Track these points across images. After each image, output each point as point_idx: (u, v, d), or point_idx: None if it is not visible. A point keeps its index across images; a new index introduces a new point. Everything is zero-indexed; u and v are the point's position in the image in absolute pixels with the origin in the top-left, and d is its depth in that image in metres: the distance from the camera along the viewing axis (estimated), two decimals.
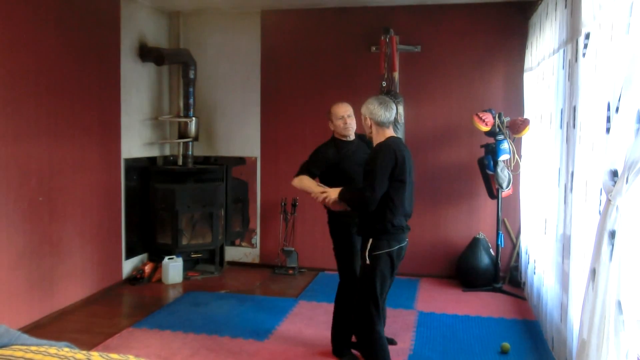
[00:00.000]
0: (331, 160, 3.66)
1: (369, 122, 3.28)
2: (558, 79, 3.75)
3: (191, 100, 5.85)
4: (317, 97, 5.90)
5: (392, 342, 3.91)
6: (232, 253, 6.20)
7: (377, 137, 3.27)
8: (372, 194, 3.10)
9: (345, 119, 3.69)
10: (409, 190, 3.26)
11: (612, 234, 2.25)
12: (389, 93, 5.00)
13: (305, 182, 3.59)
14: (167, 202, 5.59)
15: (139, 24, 5.55)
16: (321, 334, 4.15)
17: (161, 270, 5.49)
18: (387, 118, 3.24)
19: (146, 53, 5.57)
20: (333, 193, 3.36)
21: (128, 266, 5.49)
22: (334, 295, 3.75)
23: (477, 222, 5.68)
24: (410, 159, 3.27)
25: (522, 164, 5.29)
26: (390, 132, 3.28)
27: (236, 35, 6.08)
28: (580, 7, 3.03)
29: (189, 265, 5.82)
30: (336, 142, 3.74)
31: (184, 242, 5.71)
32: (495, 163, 5.09)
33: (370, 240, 3.21)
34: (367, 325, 3.25)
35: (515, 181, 5.29)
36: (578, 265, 3.08)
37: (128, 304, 5.00)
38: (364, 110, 3.30)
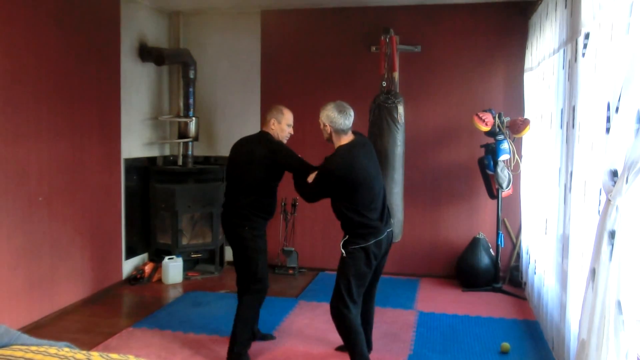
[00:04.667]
0: None
1: (328, 129, 3.35)
2: (558, 78, 3.75)
3: (191, 100, 5.85)
4: (317, 97, 5.88)
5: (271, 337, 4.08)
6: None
7: (335, 143, 3.38)
8: (313, 199, 3.49)
9: (292, 129, 3.82)
10: (369, 188, 3.33)
11: (612, 234, 2.25)
12: (389, 93, 5.00)
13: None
14: (167, 202, 5.59)
15: (139, 24, 5.56)
16: (321, 334, 4.16)
17: (161, 270, 5.49)
18: (345, 126, 3.33)
19: (146, 53, 5.57)
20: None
21: (128, 266, 5.49)
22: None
23: (477, 222, 5.68)
24: (368, 158, 3.37)
25: (522, 164, 5.29)
26: (347, 138, 3.37)
27: (236, 35, 6.08)
28: (580, 7, 3.03)
29: (189, 265, 5.82)
30: None
31: (184, 242, 5.71)
32: (495, 163, 5.09)
33: (347, 236, 3.37)
34: (342, 313, 3.34)
35: (515, 181, 5.29)
36: (577, 265, 3.09)
37: (128, 304, 5.00)
38: (323, 117, 3.35)
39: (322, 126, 3.39)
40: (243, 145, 3.79)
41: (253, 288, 3.67)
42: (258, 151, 3.65)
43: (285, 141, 3.79)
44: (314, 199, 3.52)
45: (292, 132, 3.83)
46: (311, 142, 5.92)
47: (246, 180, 3.66)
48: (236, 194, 3.68)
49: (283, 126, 3.74)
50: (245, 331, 3.64)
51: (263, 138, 3.73)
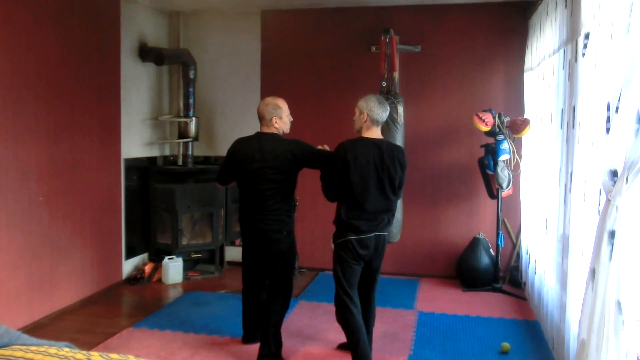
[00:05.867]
0: None
1: (365, 117, 3.42)
2: (558, 79, 3.75)
3: (191, 100, 5.85)
4: (317, 97, 5.90)
5: None
6: (232, 253, 6.20)
7: (363, 133, 3.47)
8: (325, 193, 3.43)
9: (290, 115, 3.76)
10: (363, 185, 3.33)
11: (612, 234, 2.25)
12: (389, 93, 5.00)
13: None
14: (167, 202, 5.59)
15: (139, 24, 5.56)
16: (321, 334, 4.16)
17: (161, 270, 5.49)
18: (381, 117, 3.44)
19: (146, 53, 5.57)
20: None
21: (128, 266, 5.49)
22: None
23: (477, 222, 5.67)
24: (378, 159, 3.35)
25: (522, 164, 5.29)
26: (373, 133, 3.45)
27: (236, 35, 6.08)
28: (580, 7, 3.03)
29: (189, 265, 5.82)
30: None
31: (184, 242, 5.71)
32: (495, 163, 5.09)
33: (335, 229, 3.47)
34: (337, 306, 3.46)
35: (515, 181, 5.29)
36: (577, 265, 3.09)
37: (128, 304, 5.00)
38: (362, 105, 3.44)
39: (357, 114, 3.47)
40: (253, 147, 3.62)
41: (285, 291, 3.68)
42: (281, 155, 3.55)
43: (288, 131, 3.76)
44: (329, 190, 3.42)
45: (292, 118, 3.78)
46: (311, 142, 5.90)
47: (275, 185, 3.56)
48: (264, 199, 3.57)
49: (285, 120, 3.68)
50: (279, 333, 3.68)
51: (276, 140, 3.63)
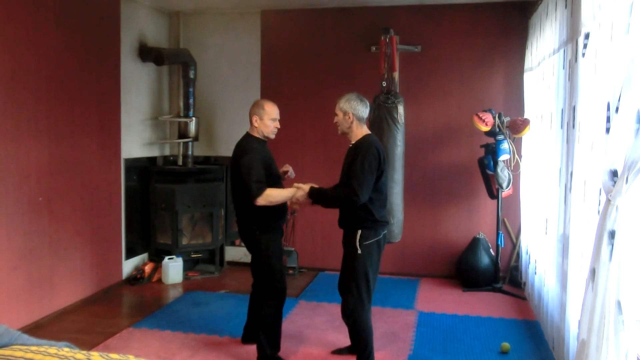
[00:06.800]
0: (266, 162, 3.57)
1: (350, 117, 3.40)
2: (558, 79, 3.75)
3: (191, 100, 5.85)
4: (317, 97, 5.90)
5: None
6: (232, 253, 6.20)
7: (357, 133, 3.44)
8: (361, 197, 3.26)
9: (277, 122, 3.65)
10: (385, 180, 3.44)
11: (612, 234, 2.25)
12: (389, 93, 5.00)
13: (275, 194, 3.46)
14: (167, 202, 5.59)
15: (139, 24, 5.56)
16: (321, 334, 4.16)
17: (161, 270, 5.49)
18: (366, 114, 3.46)
19: (146, 53, 5.57)
20: (301, 191, 3.46)
21: (128, 266, 5.49)
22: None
23: (477, 222, 5.68)
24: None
25: (522, 164, 5.29)
26: (366, 129, 3.49)
27: (236, 35, 6.08)
28: (580, 7, 3.03)
29: (189, 265, 5.82)
30: (260, 142, 3.61)
31: (184, 242, 5.71)
32: (495, 163, 5.09)
33: (360, 231, 3.36)
34: (359, 313, 3.39)
35: (515, 181, 5.29)
36: (577, 265, 3.09)
37: (128, 304, 5.00)
38: (345, 106, 3.41)
39: (341, 116, 3.42)
40: (235, 150, 3.66)
41: (274, 292, 3.63)
42: (234, 163, 3.56)
43: (272, 137, 3.65)
44: (367, 192, 3.26)
45: (279, 126, 3.67)
46: (311, 142, 5.93)
47: (235, 191, 3.61)
48: (241, 200, 3.59)
49: (266, 122, 3.56)
50: (273, 333, 3.62)
51: (242, 144, 3.59)
